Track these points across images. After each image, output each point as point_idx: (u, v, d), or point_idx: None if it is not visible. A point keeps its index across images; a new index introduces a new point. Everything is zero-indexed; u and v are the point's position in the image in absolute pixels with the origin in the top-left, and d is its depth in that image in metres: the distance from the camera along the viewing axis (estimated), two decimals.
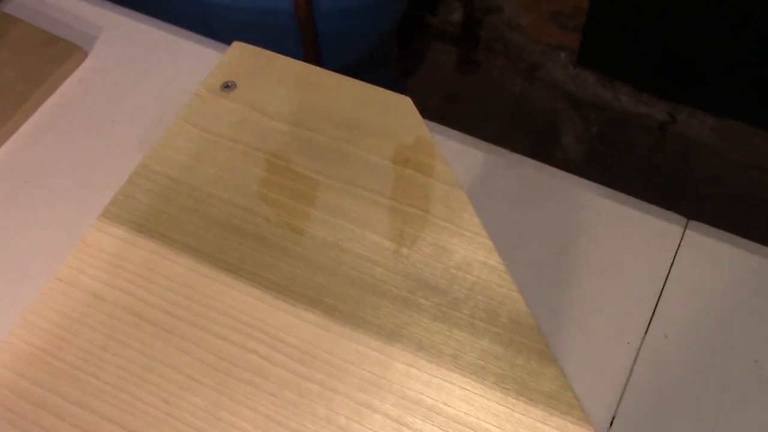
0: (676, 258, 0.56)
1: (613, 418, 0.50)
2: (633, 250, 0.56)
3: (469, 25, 1.43)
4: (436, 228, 0.31)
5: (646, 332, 0.54)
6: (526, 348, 0.28)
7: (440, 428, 0.27)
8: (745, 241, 0.56)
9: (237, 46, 0.37)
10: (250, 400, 0.28)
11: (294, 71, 0.36)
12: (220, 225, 0.32)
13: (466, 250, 0.31)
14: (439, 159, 0.33)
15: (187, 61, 0.52)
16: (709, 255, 0.55)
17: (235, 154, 0.34)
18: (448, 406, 0.28)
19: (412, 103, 0.35)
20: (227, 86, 0.36)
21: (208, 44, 0.52)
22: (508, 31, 1.46)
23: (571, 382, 0.52)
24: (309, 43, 0.96)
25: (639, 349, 0.53)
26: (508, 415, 0.27)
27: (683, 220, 0.58)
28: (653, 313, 0.54)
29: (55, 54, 0.68)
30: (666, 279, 0.55)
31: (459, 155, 0.60)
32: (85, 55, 0.69)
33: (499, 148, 0.62)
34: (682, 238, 0.57)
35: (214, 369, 0.29)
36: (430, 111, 1.36)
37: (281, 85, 0.36)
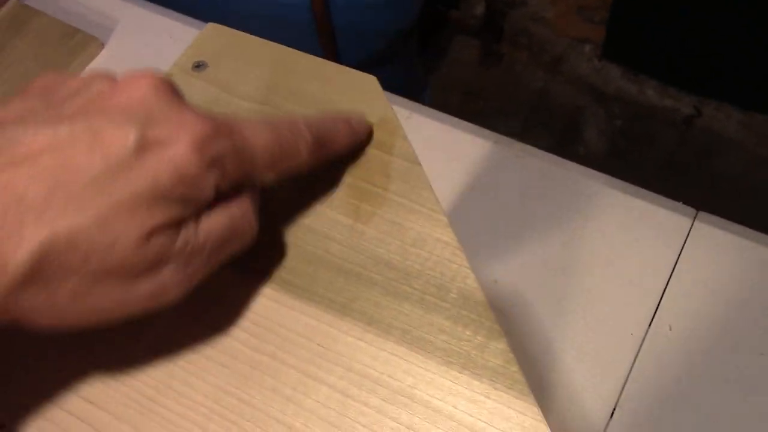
0: (684, 249, 0.55)
1: (614, 410, 0.50)
2: (640, 241, 0.56)
3: (493, 17, 1.43)
4: (393, 204, 0.32)
5: (650, 324, 0.53)
6: (474, 323, 0.28)
7: (384, 400, 0.28)
8: (754, 233, 0.55)
9: (211, 27, 0.38)
10: (201, 371, 0.29)
11: (266, 52, 0.37)
12: None
13: (422, 227, 0.31)
14: (401, 137, 0.33)
15: None
16: (718, 246, 0.55)
17: None
18: (393, 378, 0.28)
19: (377, 82, 0.35)
20: (198, 66, 0.36)
21: None
22: (532, 24, 1.45)
23: (572, 372, 0.52)
24: (325, 38, 0.97)
25: (642, 340, 0.52)
26: (451, 388, 0.27)
27: (692, 211, 0.57)
28: (658, 304, 0.53)
29: (72, 45, 0.70)
30: (672, 270, 0.55)
31: (469, 146, 0.60)
32: (101, 46, 0.71)
33: (508, 139, 0.62)
34: (690, 230, 0.56)
35: (167, 339, 0.30)
36: (451, 106, 1.36)
37: (253, 65, 0.36)
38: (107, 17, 0.75)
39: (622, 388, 0.51)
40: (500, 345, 0.28)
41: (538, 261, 0.55)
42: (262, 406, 0.28)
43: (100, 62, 0.71)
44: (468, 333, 0.28)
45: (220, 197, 0.25)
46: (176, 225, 0.24)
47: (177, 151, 0.23)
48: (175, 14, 0.73)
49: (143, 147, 0.23)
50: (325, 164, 0.31)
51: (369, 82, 0.35)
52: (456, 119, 0.62)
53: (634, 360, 0.52)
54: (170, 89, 0.25)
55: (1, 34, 0.70)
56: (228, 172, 0.25)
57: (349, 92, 0.35)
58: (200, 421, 0.28)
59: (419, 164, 0.32)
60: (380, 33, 1.05)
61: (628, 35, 1.34)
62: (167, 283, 0.24)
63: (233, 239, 0.26)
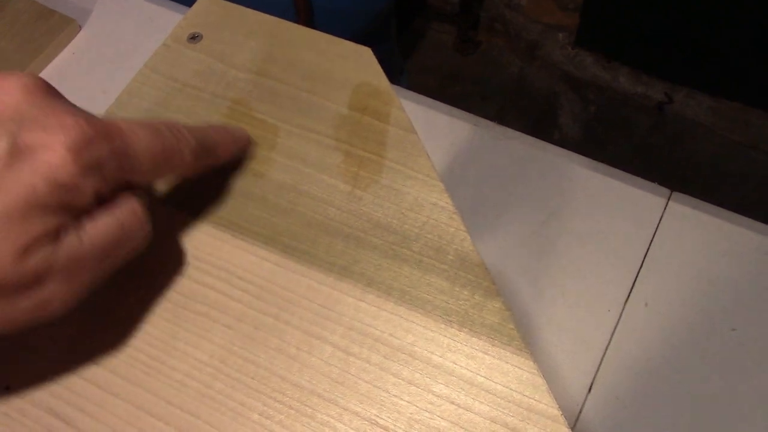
0: (659, 228, 0.57)
1: (592, 384, 0.52)
2: (616, 220, 0.57)
3: (468, 4, 1.44)
4: (390, 171, 0.32)
5: (626, 300, 0.55)
6: (471, 283, 0.29)
7: (385, 357, 0.28)
8: (727, 212, 0.57)
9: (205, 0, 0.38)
10: (206, 332, 0.30)
11: (261, 24, 0.37)
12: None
13: (419, 192, 0.32)
14: (396, 106, 0.34)
15: None
16: (692, 226, 0.56)
17: (200, 102, 0.35)
18: (394, 337, 0.29)
19: (371, 53, 0.36)
20: (194, 37, 0.37)
21: None
22: (507, 11, 1.47)
23: (551, 348, 0.53)
24: (304, 19, 0.97)
25: (619, 317, 0.54)
26: (450, 345, 0.28)
27: (666, 191, 0.58)
28: (634, 282, 0.55)
29: (49, 26, 0.70)
30: (648, 249, 0.56)
31: (449, 128, 0.61)
32: (78, 28, 0.71)
33: (487, 121, 0.63)
34: (665, 209, 0.58)
35: (172, 303, 0.30)
36: (429, 90, 1.37)
37: (248, 37, 0.37)
38: None
39: (600, 363, 0.52)
40: (497, 304, 0.29)
41: (517, 240, 0.57)
42: (267, 364, 0.29)
43: (77, 44, 0.71)
44: (465, 293, 0.29)
45: (104, 201, 0.24)
46: (55, 235, 0.22)
47: (52, 157, 0.21)
48: None
49: (15, 155, 0.21)
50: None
51: (363, 52, 0.36)
52: (435, 101, 0.63)
53: (612, 336, 0.53)
54: (44, 89, 0.23)
55: None
56: (108, 176, 0.23)
57: (344, 63, 0.36)
58: (206, 380, 0.29)
59: (415, 132, 0.33)
60: (359, 14, 1.06)
61: (602, 23, 1.36)
62: (51, 298, 0.23)
63: (123, 242, 0.25)
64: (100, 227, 0.24)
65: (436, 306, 0.29)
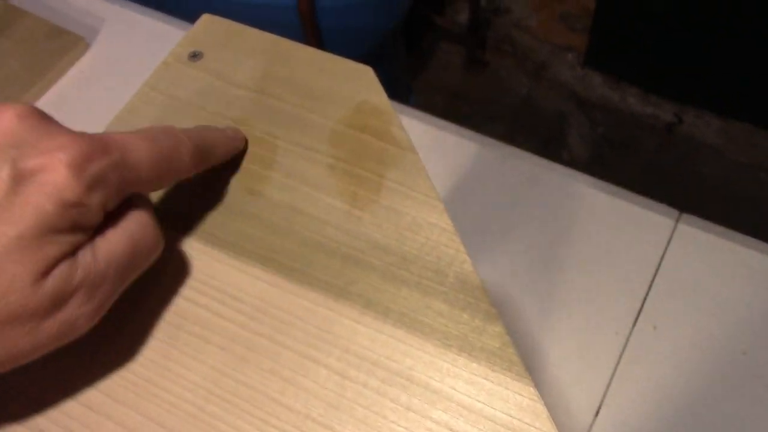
0: (668, 250, 0.56)
1: (599, 408, 0.51)
2: (624, 241, 0.56)
3: (477, 25, 1.44)
4: (389, 191, 0.32)
5: (634, 323, 0.54)
6: (471, 306, 0.29)
7: (383, 382, 0.28)
8: (736, 234, 0.56)
9: (207, 18, 0.38)
10: (199, 353, 0.29)
11: (262, 43, 0.37)
12: (178, 187, 0.33)
13: (418, 212, 0.31)
14: (396, 125, 0.33)
15: None
16: (701, 247, 0.55)
17: (200, 120, 0.35)
18: (392, 360, 0.28)
19: (372, 72, 0.35)
20: (194, 55, 0.36)
21: None
22: (516, 31, 1.47)
23: (558, 370, 0.52)
24: (312, 39, 0.98)
25: (627, 339, 0.53)
26: (449, 370, 0.28)
27: (675, 212, 0.58)
28: (642, 304, 0.54)
29: (58, 46, 0.70)
30: (656, 270, 0.55)
31: (456, 147, 0.60)
32: (87, 46, 0.71)
33: (495, 141, 0.63)
34: (674, 231, 0.57)
35: (165, 323, 0.30)
36: (436, 110, 1.37)
37: (249, 55, 0.37)
38: (93, 17, 0.75)
39: (608, 386, 0.51)
40: (497, 328, 0.28)
41: (525, 261, 0.56)
42: (260, 387, 0.28)
43: (85, 63, 0.71)
44: (465, 316, 0.29)
45: (112, 216, 0.25)
46: (70, 255, 0.22)
47: (55, 177, 0.22)
48: (161, 15, 0.73)
49: (19, 180, 0.21)
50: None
51: (364, 72, 0.36)
52: (443, 121, 0.63)
53: (619, 359, 0.52)
54: (36, 115, 0.23)
55: None
56: (112, 189, 0.24)
57: (345, 82, 0.35)
58: (199, 402, 0.28)
59: (415, 152, 0.33)
60: (367, 34, 1.06)
61: (610, 43, 1.36)
62: (74, 318, 0.23)
63: (139, 255, 0.25)
64: (115, 243, 0.24)
65: (435, 329, 0.29)
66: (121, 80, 0.68)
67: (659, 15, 1.26)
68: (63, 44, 0.71)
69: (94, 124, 0.64)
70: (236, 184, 0.33)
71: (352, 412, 0.27)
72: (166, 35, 0.71)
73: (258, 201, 0.32)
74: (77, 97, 0.68)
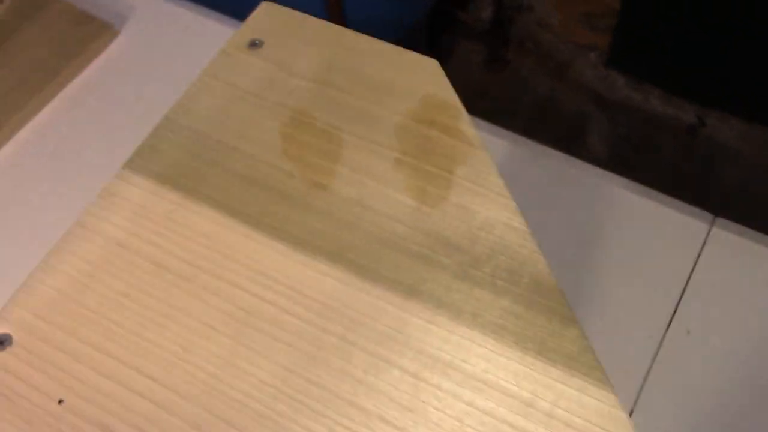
0: (702, 254, 0.55)
1: (632, 411, 0.50)
2: (658, 245, 0.56)
3: (500, 22, 1.43)
4: (459, 188, 0.31)
5: (668, 327, 0.53)
6: (548, 309, 0.28)
7: (457, 384, 0.27)
8: None
9: (265, 5, 0.37)
10: (266, 349, 0.28)
11: (323, 32, 0.36)
12: (244, 179, 0.32)
13: (489, 211, 0.30)
14: (465, 121, 0.33)
15: (215, 42, 0.52)
16: (735, 252, 0.55)
17: (260, 110, 0.34)
18: (466, 363, 0.27)
19: (439, 65, 0.34)
20: (254, 44, 0.36)
21: (238, 27, 0.53)
22: (538, 30, 1.45)
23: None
24: None
25: (660, 343, 0.52)
26: (526, 374, 0.27)
27: (710, 216, 0.57)
28: (676, 307, 0.53)
29: (86, 32, 0.69)
30: (690, 275, 0.55)
31: (487, 146, 0.59)
32: (116, 33, 0.70)
33: (527, 140, 0.62)
34: (708, 235, 0.56)
35: (232, 319, 0.29)
36: None
37: (310, 45, 0.36)
38: (123, 4, 0.74)
39: (640, 390, 0.51)
40: (575, 331, 0.27)
41: (554, 262, 0.55)
42: (332, 387, 0.27)
43: (114, 50, 0.70)
44: (542, 319, 0.28)
45: None
46: None
47: None
48: (190, 4, 0.73)
49: None
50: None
51: (430, 65, 0.35)
52: (472, 117, 0.62)
53: (652, 362, 0.52)
54: None
55: (15, 18, 0.69)
56: None
57: (410, 74, 0.34)
58: (267, 401, 0.27)
59: (485, 149, 0.32)
60: (391, 26, 1.05)
61: (634, 44, 1.34)
62: None
63: None
64: None
65: (511, 332, 0.28)
66: (150, 68, 0.67)
67: (683, 17, 1.25)
68: (92, 31, 0.70)
69: (122, 111, 0.63)
70: (301, 176, 0.32)
71: (427, 414, 0.27)
72: (195, 24, 0.70)
73: (324, 195, 0.31)
74: (105, 84, 0.67)
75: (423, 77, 0.34)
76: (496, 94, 1.43)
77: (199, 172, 0.33)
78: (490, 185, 0.31)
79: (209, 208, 0.31)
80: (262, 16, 0.37)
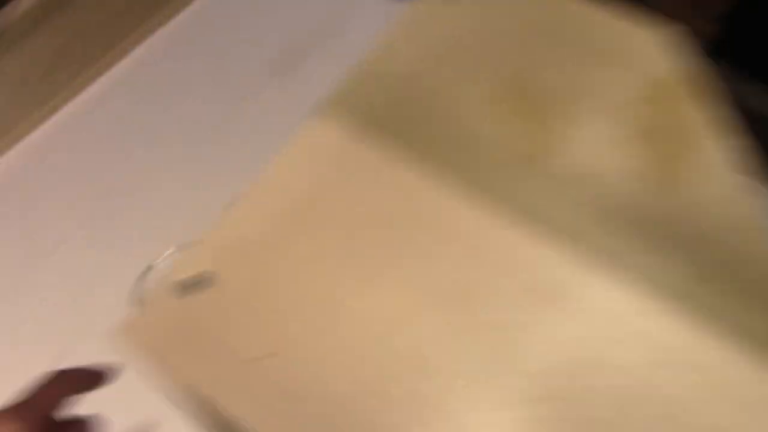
0: None
1: None
2: None
3: None
4: (696, 169, 0.27)
5: None
6: None
7: None
8: None
9: None
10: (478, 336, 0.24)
11: None
12: (448, 138, 0.28)
13: (729, 197, 0.26)
14: (695, 98, 0.28)
15: None
16: None
17: (460, 64, 0.30)
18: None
19: (682, 39, 0.30)
20: None
21: None
22: None
23: None
24: None
25: None
26: None
27: None
28: None
29: None
30: None
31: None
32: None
33: None
34: None
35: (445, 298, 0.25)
36: None
37: (515, 5, 0.32)
38: None
39: None
40: None
41: None
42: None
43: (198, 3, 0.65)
44: None
45: None
46: None
47: None
48: None
49: None
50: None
51: (669, 39, 0.30)
52: None
53: None
54: None
55: None
56: None
57: (644, 48, 0.30)
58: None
59: (722, 132, 0.28)
60: None
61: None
62: None
63: None
64: None
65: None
66: (232, 25, 0.63)
67: None
68: None
69: (204, 62, 0.58)
70: (511, 142, 0.28)
71: None
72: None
73: (539, 165, 0.27)
74: (190, 37, 0.62)
75: (648, 49, 0.30)
76: None
77: (400, 123, 0.28)
78: (728, 170, 0.27)
79: (412, 165, 0.27)
80: None
